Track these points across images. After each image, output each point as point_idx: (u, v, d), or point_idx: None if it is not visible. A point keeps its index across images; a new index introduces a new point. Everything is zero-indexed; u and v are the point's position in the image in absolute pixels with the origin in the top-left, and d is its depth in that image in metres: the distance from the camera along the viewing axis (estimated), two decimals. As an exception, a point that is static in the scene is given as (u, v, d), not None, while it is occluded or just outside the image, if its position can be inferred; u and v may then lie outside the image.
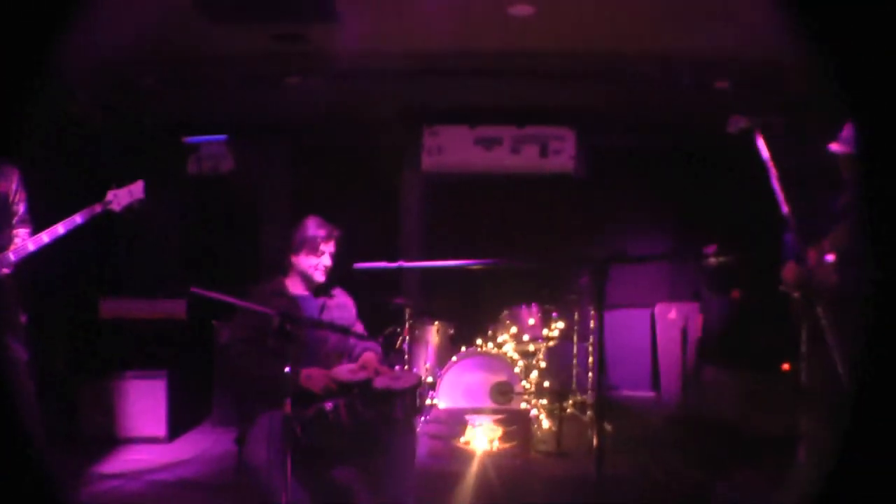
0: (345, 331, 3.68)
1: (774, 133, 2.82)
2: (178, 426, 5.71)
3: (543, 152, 6.90)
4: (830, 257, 3.71)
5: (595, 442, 2.57)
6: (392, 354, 5.60)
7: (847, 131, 3.96)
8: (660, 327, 7.40)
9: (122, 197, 3.87)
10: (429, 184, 7.35)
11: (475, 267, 3.32)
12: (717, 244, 3.70)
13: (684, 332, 6.08)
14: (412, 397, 4.07)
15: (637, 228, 7.48)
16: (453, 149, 6.85)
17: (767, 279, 7.12)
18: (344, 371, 3.58)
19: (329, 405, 3.32)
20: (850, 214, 3.90)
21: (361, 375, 3.53)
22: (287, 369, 2.98)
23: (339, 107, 6.54)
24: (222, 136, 7.05)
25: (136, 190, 3.92)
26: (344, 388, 3.44)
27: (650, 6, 4.43)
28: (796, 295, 3.22)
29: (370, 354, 3.78)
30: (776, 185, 2.75)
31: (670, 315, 7.36)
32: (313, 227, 3.74)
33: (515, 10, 4.42)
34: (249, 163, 7.18)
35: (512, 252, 6.58)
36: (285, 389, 3.00)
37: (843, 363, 2.57)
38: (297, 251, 3.74)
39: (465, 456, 4.83)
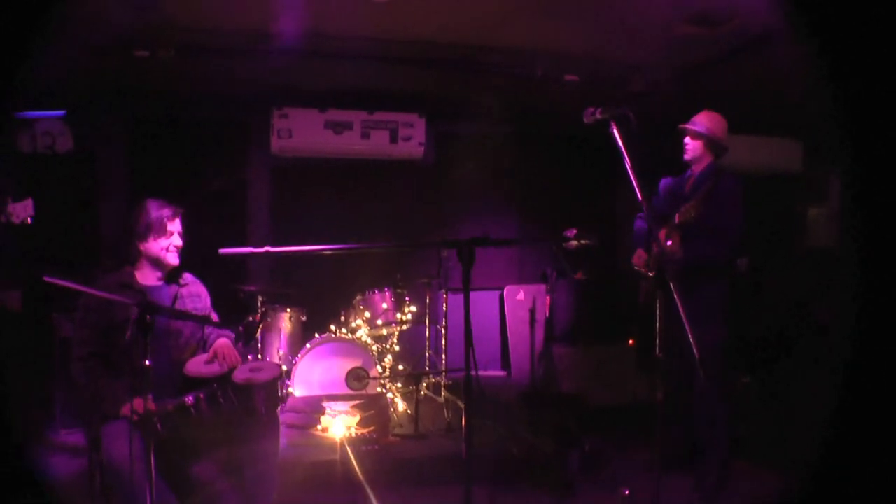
0: (204, 320, 3.57)
1: (628, 125, 2.96)
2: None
3: (393, 138, 6.92)
4: (675, 237, 4.07)
5: (464, 420, 2.61)
6: (250, 343, 5.47)
7: (699, 117, 4.44)
8: (508, 309, 7.65)
9: (19, 211, 3.87)
10: (278, 166, 7.19)
11: (335, 251, 3.29)
12: (574, 226, 3.87)
13: (532, 313, 6.30)
14: (273, 389, 4.02)
15: (484, 213, 7.65)
16: (303, 131, 6.73)
17: (609, 261, 7.56)
18: (199, 363, 3.48)
19: (190, 398, 3.25)
20: (695, 193, 4.26)
21: (218, 368, 3.45)
22: (148, 362, 2.87)
23: (186, 83, 6.27)
24: (60, 112, 6.52)
25: (28, 206, 3.89)
26: (203, 382, 3.35)
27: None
28: (651, 274, 3.46)
29: (224, 341, 3.67)
30: (631, 172, 2.89)
31: (518, 297, 7.62)
32: (155, 208, 3.59)
33: (372, -6, 4.40)
34: (88, 139, 6.71)
35: (361, 236, 6.55)
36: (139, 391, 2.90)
37: (691, 333, 2.77)
38: (143, 237, 3.56)
39: (323, 444, 4.82)
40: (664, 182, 4.76)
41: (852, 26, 2.34)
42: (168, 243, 3.58)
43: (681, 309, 2.78)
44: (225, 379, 3.44)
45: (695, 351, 2.78)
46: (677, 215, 4.26)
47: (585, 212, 7.56)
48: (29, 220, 3.87)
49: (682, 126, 4.55)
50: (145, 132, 6.93)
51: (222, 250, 2.59)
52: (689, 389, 4.34)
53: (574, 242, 2.67)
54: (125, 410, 3.20)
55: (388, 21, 4.89)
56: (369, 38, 5.24)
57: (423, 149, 7.03)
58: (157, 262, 3.60)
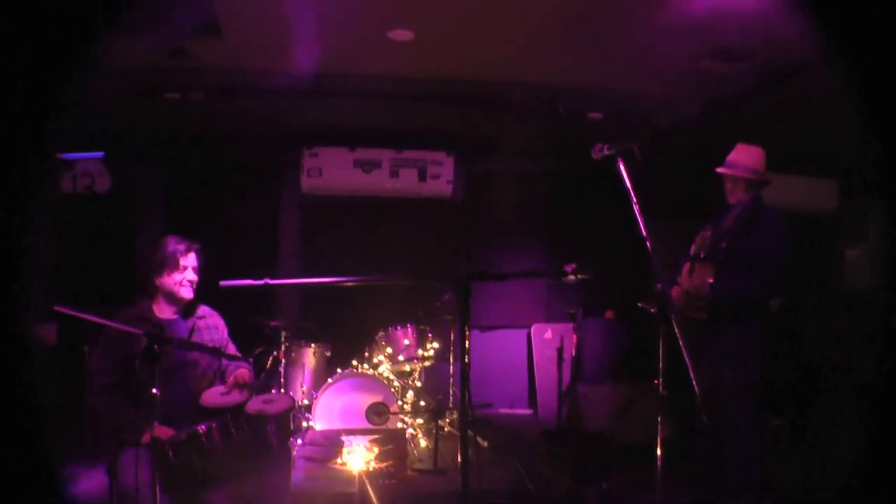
0: (216, 352, 3.63)
1: (634, 158, 2.97)
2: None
3: (422, 176, 6.99)
4: (710, 278, 3.97)
5: (459, 456, 2.61)
6: (263, 375, 5.52)
7: (733, 155, 4.25)
8: (536, 347, 7.61)
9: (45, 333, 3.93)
10: (308, 204, 7.30)
11: (344, 283, 3.33)
12: (577, 263, 3.86)
13: (560, 352, 6.24)
14: (285, 420, 4.05)
15: (512, 250, 7.66)
16: (333, 170, 6.85)
17: (640, 299, 7.47)
18: (215, 394, 3.53)
19: (202, 427, 3.28)
20: (733, 231, 4.13)
21: (233, 399, 3.50)
22: (155, 391, 2.93)
23: (218, 125, 6.44)
24: (99, 153, 6.76)
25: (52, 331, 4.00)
26: (217, 412, 3.40)
27: (526, 37, 4.58)
28: (653, 311, 3.40)
29: (243, 371, 3.73)
30: (636, 209, 2.90)
31: (546, 335, 7.58)
32: (171, 243, 3.70)
33: (395, 34, 4.49)
34: (126, 181, 6.92)
35: (389, 273, 6.61)
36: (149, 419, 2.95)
37: (692, 370, 2.73)
38: (158, 272, 3.67)
39: (342, 477, 4.81)
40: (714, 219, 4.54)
41: (887, 56, 2.32)
42: (181, 278, 3.66)
43: (682, 345, 2.75)
44: (238, 410, 3.49)
45: (696, 390, 2.74)
46: (692, 245, 4.20)
47: (616, 248, 7.50)
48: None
49: (720, 170, 4.32)
50: (181, 172, 7.13)
51: (223, 282, 2.65)
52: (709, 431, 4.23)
53: (572, 277, 2.67)
54: (144, 437, 3.26)
55: (411, 60, 5.00)
56: (393, 78, 5.35)
57: (451, 187, 7.09)
58: (171, 296, 3.69)
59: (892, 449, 2.29)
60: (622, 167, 3.00)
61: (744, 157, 4.27)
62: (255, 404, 3.59)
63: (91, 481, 5.11)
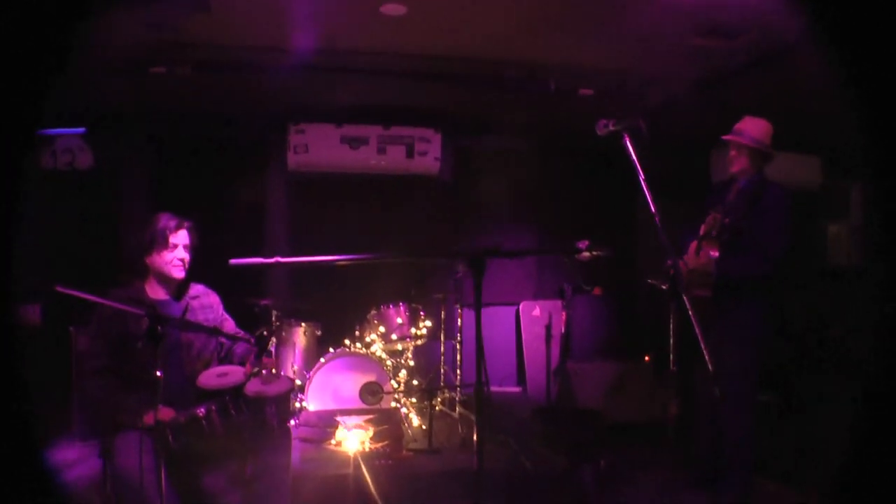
0: (215, 331, 3.57)
1: (641, 136, 2.94)
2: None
3: (409, 153, 6.94)
4: (714, 252, 3.94)
5: (475, 434, 2.58)
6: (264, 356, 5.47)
7: (740, 124, 4.23)
8: (524, 324, 7.62)
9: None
10: (295, 181, 7.22)
11: (350, 262, 3.29)
12: (590, 239, 3.82)
13: (548, 329, 6.25)
14: (285, 402, 4.00)
15: (501, 228, 7.65)
16: (319, 147, 6.77)
17: (627, 276, 7.50)
18: (212, 376, 3.48)
19: (201, 410, 3.25)
20: (738, 203, 4.10)
21: (231, 381, 3.44)
22: (159, 373, 2.89)
23: (204, 100, 6.33)
24: (80, 129, 6.60)
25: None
26: (215, 394, 3.35)
27: (519, 14, 4.52)
28: (664, 287, 3.38)
29: (269, 361, 3.68)
30: (644, 185, 2.87)
31: (534, 312, 7.59)
32: (162, 220, 3.60)
33: (387, 8, 4.41)
34: (109, 157, 6.77)
35: (377, 250, 6.55)
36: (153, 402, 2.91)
37: (705, 347, 2.73)
38: (149, 250, 3.57)
39: (337, 458, 4.79)
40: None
41: (875, 34, 2.31)
42: (171, 256, 3.56)
43: (694, 323, 2.74)
44: (237, 391, 3.44)
45: (709, 366, 2.73)
46: (702, 226, 4.19)
47: (604, 225, 7.52)
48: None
49: (725, 137, 4.30)
50: (167, 149, 7.00)
51: (233, 261, 2.59)
52: (713, 407, 4.24)
53: (587, 254, 2.64)
54: (145, 420, 3.21)
55: (402, 36, 4.92)
56: (384, 53, 5.27)
57: (439, 164, 7.03)
58: (162, 276, 3.60)
59: (882, 421, 2.30)
60: (628, 143, 2.96)
61: (751, 126, 4.25)
62: (253, 386, 3.54)
63: (82, 464, 5.07)
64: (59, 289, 2.78)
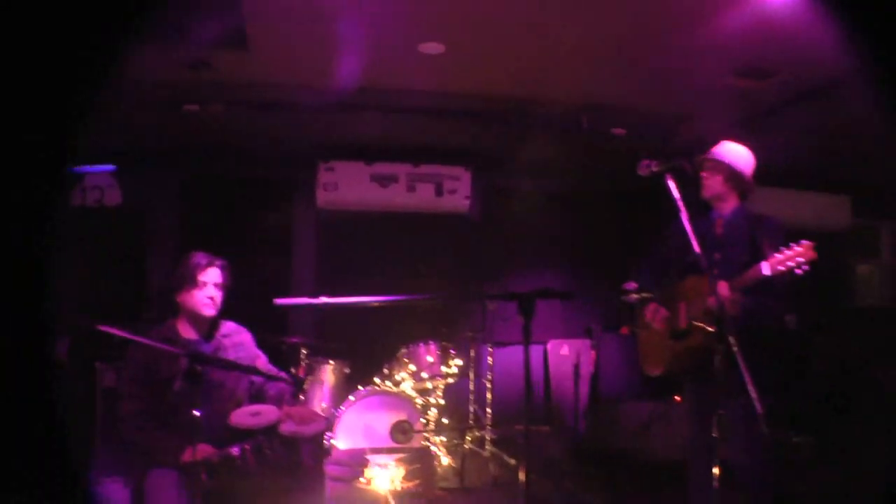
0: (251, 370, 3.55)
1: (684, 176, 2.93)
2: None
3: (439, 191, 6.94)
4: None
5: (522, 472, 2.54)
6: (300, 394, 5.44)
7: (719, 147, 3.82)
8: (552, 363, 7.55)
9: None
10: (323, 219, 7.23)
11: (387, 303, 3.29)
12: (623, 281, 3.75)
13: (576, 368, 6.20)
14: (319, 442, 3.97)
15: (532, 268, 7.60)
16: (349, 185, 6.78)
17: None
18: (245, 415, 3.44)
19: (236, 450, 3.22)
20: (731, 238, 3.70)
21: (264, 420, 3.41)
22: (197, 413, 2.87)
23: (234, 138, 6.38)
24: (109, 167, 6.66)
25: None
26: (248, 434, 3.32)
27: (554, 52, 4.56)
28: (711, 329, 3.25)
29: (298, 410, 3.63)
30: (687, 224, 2.85)
31: (563, 351, 7.52)
32: (193, 259, 3.58)
33: (426, 47, 4.45)
34: (138, 195, 6.83)
35: (405, 289, 6.53)
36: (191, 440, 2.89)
37: (753, 388, 2.66)
38: (179, 289, 3.56)
39: (368, 497, 4.73)
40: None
41: None
42: (202, 295, 3.54)
43: (741, 364, 2.68)
44: (271, 431, 3.41)
45: (757, 407, 2.66)
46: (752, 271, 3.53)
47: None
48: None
49: (700, 157, 3.80)
50: (195, 187, 7.05)
51: (277, 300, 2.58)
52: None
53: (634, 296, 2.62)
54: (182, 458, 3.17)
55: (439, 74, 4.97)
56: (420, 92, 5.31)
57: (468, 202, 7.04)
58: (192, 315, 3.58)
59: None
60: (671, 184, 2.95)
61: (728, 150, 3.77)
62: (288, 426, 3.51)
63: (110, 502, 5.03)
64: (101, 327, 2.76)
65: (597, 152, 6.42)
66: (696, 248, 2.86)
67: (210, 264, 3.59)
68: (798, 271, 3.03)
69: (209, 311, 3.57)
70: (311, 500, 3.51)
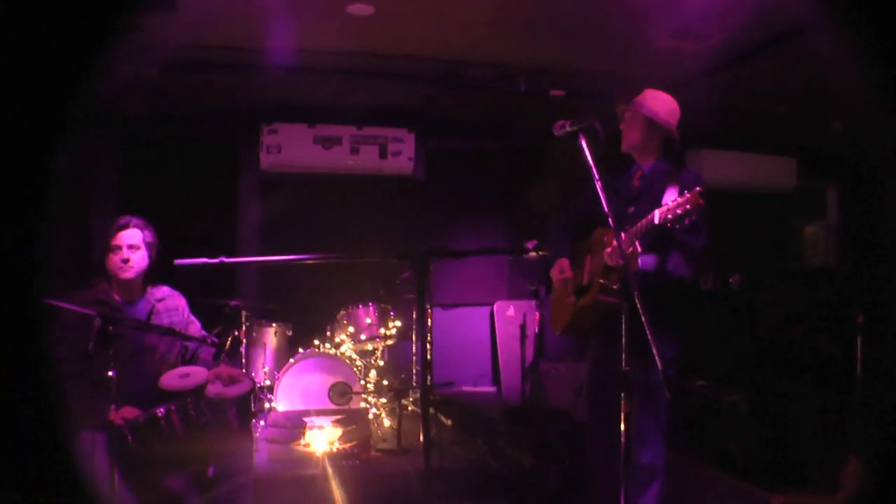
0: (171, 332, 3.53)
1: (596, 135, 2.94)
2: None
3: (383, 153, 6.91)
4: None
5: (422, 436, 2.57)
6: (223, 355, 5.43)
7: (641, 96, 3.62)
8: (499, 324, 7.62)
9: None
10: (267, 181, 7.19)
11: (300, 261, 3.28)
12: (537, 239, 3.73)
13: (523, 329, 6.25)
14: (246, 403, 3.98)
15: (474, 228, 7.64)
16: (292, 147, 6.73)
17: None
18: (174, 377, 3.46)
19: (161, 411, 3.21)
20: (648, 192, 3.50)
21: (192, 382, 3.42)
22: (111, 373, 2.87)
23: (173, 102, 6.29)
24: None
25: None
26: (176, 396, 3.33)
27: (488, 14, 4.53)
28: (615, 287, 3.19)
29: (224, 369, 3.65)
30: (598, 186, 2.86)
31: (509, 312, 7.59)
32: (111, 223, 3.58)
33: (354, 8, 4.40)
34: (77, 159, 6.71)
35: (351, 251, 6.53)
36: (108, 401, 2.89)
37: (655, 347, 2.61)
38: (104, 254, 3.55)
39: (305, 458, 4.78)
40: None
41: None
42: (116, 258, 3.52)
43: (645, 321, 2.65)
44: (197, 392, 3.42)
45: (659, 365, 2.63)
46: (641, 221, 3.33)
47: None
48: None
49: (620, 106, 3.59)
50: (135, 151, 6.93)
51: (177, 261, 2.57)
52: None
53: (533, 253, 2.63)
54: (109, 418, 3.17)
55: (371, 36, 4.92)
56: (354, 53, 5.26)
57: (412, 164, 7.02)
58: (114, 279, 3.56)
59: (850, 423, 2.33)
60: (584, 144, 2.95)
61: (650, 98, 3.55)
62: (214, 387, 3.52)
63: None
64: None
65: (537, 112, 6.41)
66: (605, 204, 2.85)
67: (124, 226, 3.54)
68: (686, 220, 2.96)
69: (125, 275, 3.53)
70: (239, 461, 3.50)
